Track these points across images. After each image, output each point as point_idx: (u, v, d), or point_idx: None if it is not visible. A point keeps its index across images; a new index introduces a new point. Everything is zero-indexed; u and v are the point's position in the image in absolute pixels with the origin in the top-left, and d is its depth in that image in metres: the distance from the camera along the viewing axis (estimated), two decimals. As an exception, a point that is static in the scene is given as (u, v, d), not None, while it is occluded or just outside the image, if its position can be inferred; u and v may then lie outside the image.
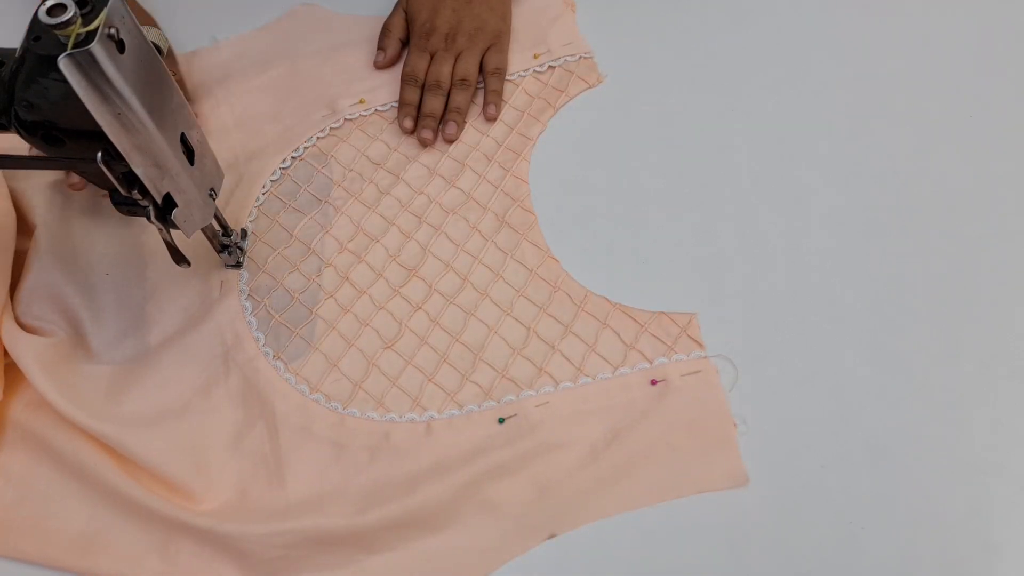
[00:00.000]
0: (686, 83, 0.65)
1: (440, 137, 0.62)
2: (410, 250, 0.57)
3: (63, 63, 0.34)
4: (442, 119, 0.62)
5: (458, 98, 0.62)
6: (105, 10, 0.35)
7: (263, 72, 0.65)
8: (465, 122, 0.62)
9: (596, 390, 0.52)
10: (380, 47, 0.65)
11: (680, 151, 0.62)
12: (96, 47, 0.35)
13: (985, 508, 0.48)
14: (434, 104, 0.62)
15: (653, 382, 0.52)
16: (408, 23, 0.66)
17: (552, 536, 0.48)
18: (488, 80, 0.63)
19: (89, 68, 0.35)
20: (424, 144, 0.61)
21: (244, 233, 0.57)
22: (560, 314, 0.55)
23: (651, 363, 0.53)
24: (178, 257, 0.51)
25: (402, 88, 0.63)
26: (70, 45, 0.35)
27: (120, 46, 0.36)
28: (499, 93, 0.63)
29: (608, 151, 0.62)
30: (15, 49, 0.38)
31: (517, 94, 0.64)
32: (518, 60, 0.66)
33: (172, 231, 0.47)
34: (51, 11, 0.34)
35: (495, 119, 0.63)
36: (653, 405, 0.51)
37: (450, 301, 0.56)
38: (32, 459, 0.50)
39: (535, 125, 0.63)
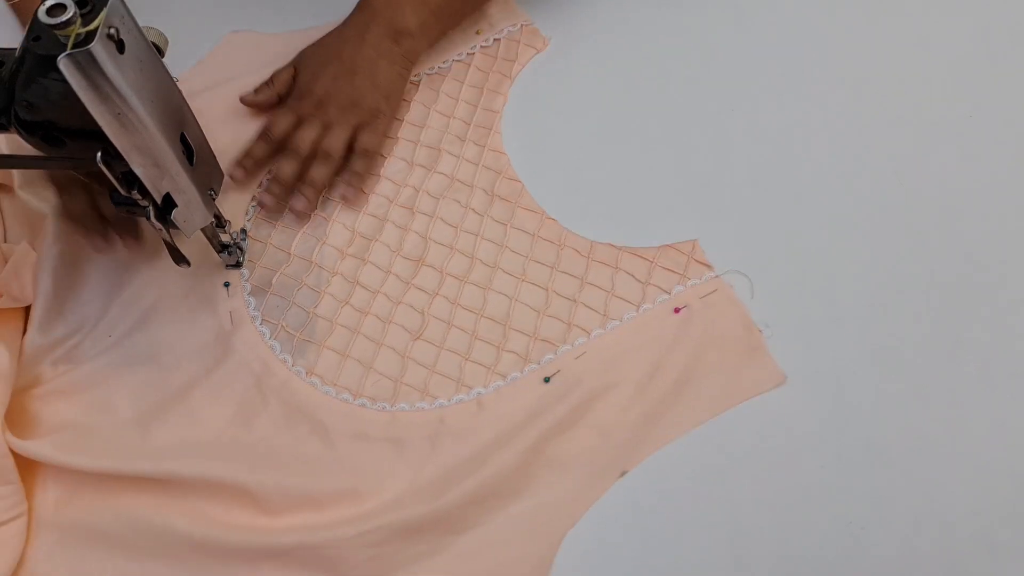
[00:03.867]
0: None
1: (288, 207, 0.58)
2: (411, 242, 0.58)
3: (63, 63, 0.34)
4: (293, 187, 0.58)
5: (315, 172, 0.58)
6: (105, 10, 0.35)
7: (210, 107, 0.63)
8: (318, 198, 0.58)
9: (627, 330, 0.54)
10: (256, 89, 0.61)
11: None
12: (96, 47, 0.34)
13: (985, 508, 0.48)
14: (285, 170, 0.57)
15: (676, 310, 0.54)
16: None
17: (624, 473, 0.50)
18: (354, 160, 0.59)
19: (89, 68, 0.35)
20: (262, 209, 0.58)
21: (244, 233, 0.56)
22: (572, 268, 0.56)
23: (670, 294, 0.55)
24: (178, 257, 0.51)
25: (255, 141, 0.59)
26: (70, 45, 0.34)
27: (120, 46, 0.36)
28: (361, 176, 0.58)
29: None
30: (15, 49, 0.38)
31: (471, 72, 0.65)
32: (461, 40, 0.67)
33: (172, 231, 0.47)
34: (51, 11, 0.34)
35: (350, 200, 0.58)
36: (682, 331, 0.54)
37: (464, 281, 0.56)
38: (76, 558, 0.48)
39: (497, 98, 0.64)
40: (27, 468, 0.49)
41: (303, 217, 0.58)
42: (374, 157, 0.60)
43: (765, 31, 0.66)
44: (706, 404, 0.52)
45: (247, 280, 0.56)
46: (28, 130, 0.39)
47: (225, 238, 0.55)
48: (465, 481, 0.48)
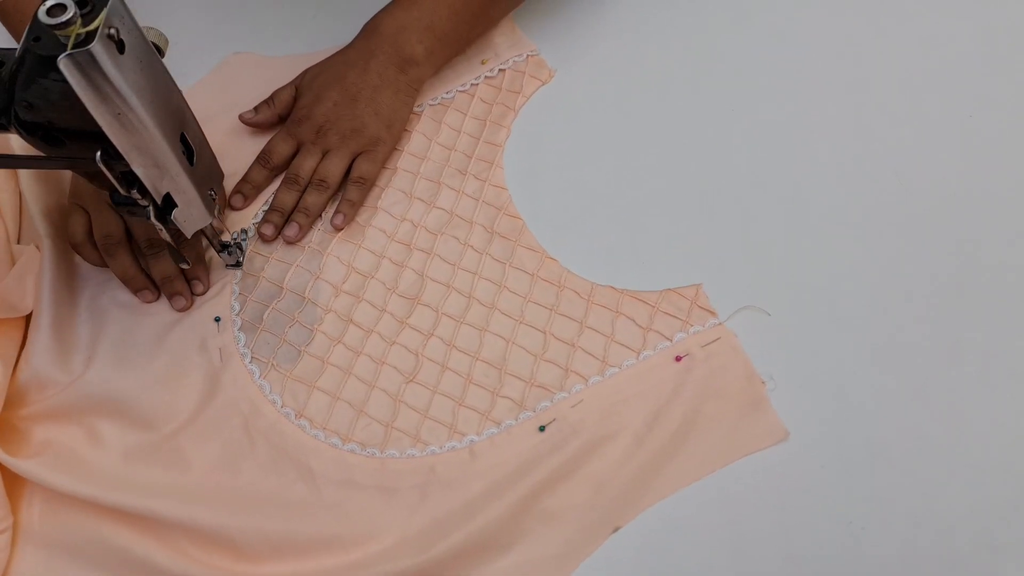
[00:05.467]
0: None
1: (281, 235, 0.57)
2: (407, 279, 0.56)
3: (63, 63, 0.34)
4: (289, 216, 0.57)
5: (310, 199, 0.57)
6: (105, 10, 0.35)
7: (208, 130, 0.62)
8: (311, 226, 0.57)
9: (625, 378, 0.52)
10: (255, 108, 0.61)
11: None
12: (96, 47, 0.34)
13: (985, 508, 0.48)
14: (285, 200, 0.57)
15: (678, 358, 0.53)
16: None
17: (617, 529, 0.49)
18: (348, 187, 0.58)
19: (89, 68, 0.35)
20: (263, 240, 0.57)
21: (244, 233, 0.56)
22: (571, 311, 0.55)
23: (671, 341, 0.54)
24: (178, 257, 0.50)
25: (252, 166, 0.59)
26: (70, 45, 0.34)
27: (120, 46, 0.36)
28: (354, 204, 0.58)
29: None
30: (15, 49, 0.38)
31: (474, 103, 0.64)
32: (466, 69, 0.66)
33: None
34: (51, 11, 0.34)
35: (341, 229, 0.57)
36: (683, 381, 0.52)
37: (460, 322, 0.55)
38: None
39: (500, 131, 0.63)
40: (12, 482, 0.49)
41: (288, 241, 0.57)
42: (370, 186, 0.59)
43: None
44: (704, 460, 0.50)
45: (238, 315, 0.55)
46: (28, 130, 0.39)
47: (225, 238, 0.54)
48: (454, 533, 0.47)
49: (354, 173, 0.58)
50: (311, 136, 0.58)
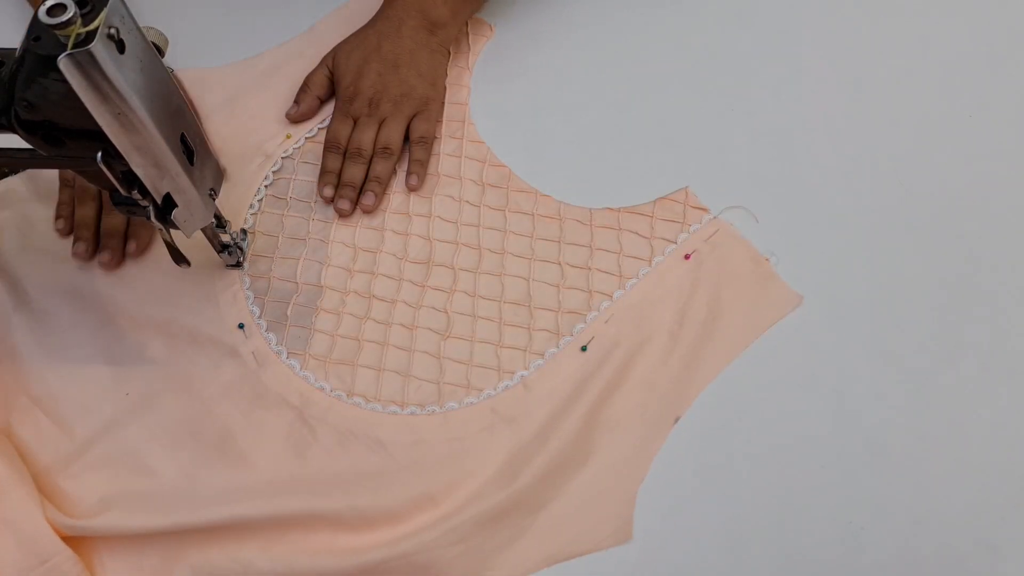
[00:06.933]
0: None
1: (359, 208, 0.59)
2: (415, 245, 0.58)
3: (63, 63, 0.34)
4: (362, 188, 0.59)
5: (378, 167, 0.59)
6: (105, 10, 0.35)
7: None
8: (385, 192, 0.59)
9: (646, 286, 0.56)
10: (296, 101, 0.62)
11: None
12: (96, 47, 0.34)
13: (985, 508, 0.49)
14: (353, 173, 0.59)
15: (687, 257, 0.56)
16: (332, 84, 0.63)
17: (678, 419, 0.52)
18: (412, 148, 0.60)
19: (89, 68, 0.35)
20: (341, 215, 0.58)
21: (244, 233, 0.57)
22: (577, 239, 0.58)
23: (676, 243, 0.57)
24: (178, 257, 0.51)
25: (324, 155, 0.60)
26: (70, 45, 0.34)
27: (120, 46, 0.36)
28: (423, 163, 0.60)
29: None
30: (15, 49, 0.38)
31: (427, 70, 0.65)
32: (410, 42, 0.67)
33: (172, 231, 0.47)
34: (51, 11, 0.34)
35: (416, 189, 0.59)
36: (697, 275, 0.56)
37: (476, 272, 0.57)
38: None
39: (461, 90, 0.64)
40: (79, 550, 0.47)
41: (366, 211, 0.59)
42: (431, 143, 0.61)
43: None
44: (736, 339, 0.54)
45: (260, 318, 0.55)
46: (28, 130, 0.39)
47: (225, 238, 0.54)
48: (533, 461, 0.49)
49: (414, 134, 0.60)
50: (366, 110, 0.60)
